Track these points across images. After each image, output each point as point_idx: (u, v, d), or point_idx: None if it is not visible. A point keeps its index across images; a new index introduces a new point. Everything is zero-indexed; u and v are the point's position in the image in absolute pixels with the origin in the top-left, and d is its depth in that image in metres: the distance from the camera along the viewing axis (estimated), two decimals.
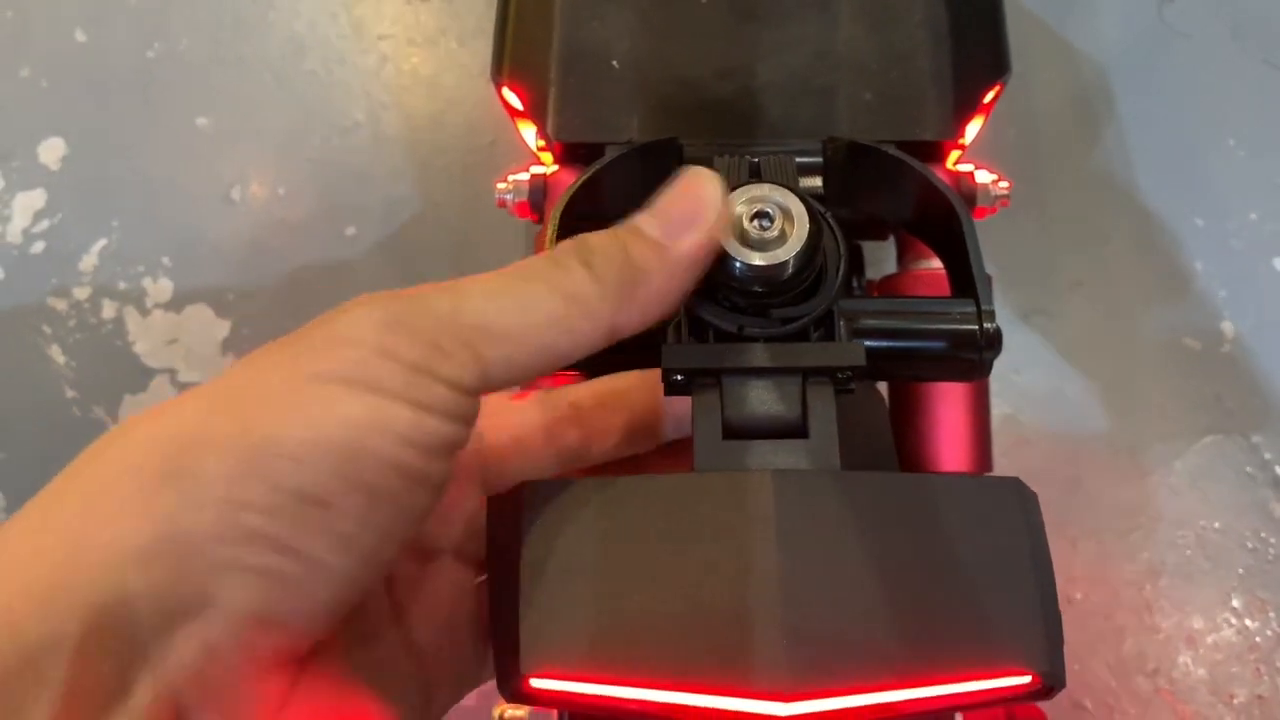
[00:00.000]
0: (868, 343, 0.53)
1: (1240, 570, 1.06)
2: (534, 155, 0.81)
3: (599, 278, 0.32)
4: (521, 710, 0.75)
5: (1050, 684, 0.44)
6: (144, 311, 1.20)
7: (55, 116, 1.27)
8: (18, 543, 0.27)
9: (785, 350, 0.52)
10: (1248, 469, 1.09)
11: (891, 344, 0.55)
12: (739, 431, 0.51)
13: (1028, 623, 0.44)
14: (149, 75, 1.29)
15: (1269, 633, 1.04)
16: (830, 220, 0.53)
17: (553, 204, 0.67)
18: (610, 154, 0.64)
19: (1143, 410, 1.12)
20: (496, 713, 0.75)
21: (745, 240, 0.49)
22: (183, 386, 1.17)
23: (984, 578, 0.45)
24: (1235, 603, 1.05)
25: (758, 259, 0.49)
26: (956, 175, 0.80)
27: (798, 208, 0.50)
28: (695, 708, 0.45)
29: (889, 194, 0.66)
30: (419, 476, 0.30)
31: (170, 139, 1.26)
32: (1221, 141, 1.20)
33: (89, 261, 1.22)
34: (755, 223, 0.49)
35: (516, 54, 0.80)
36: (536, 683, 0.44)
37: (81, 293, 1.21)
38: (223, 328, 1.19)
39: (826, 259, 0.52)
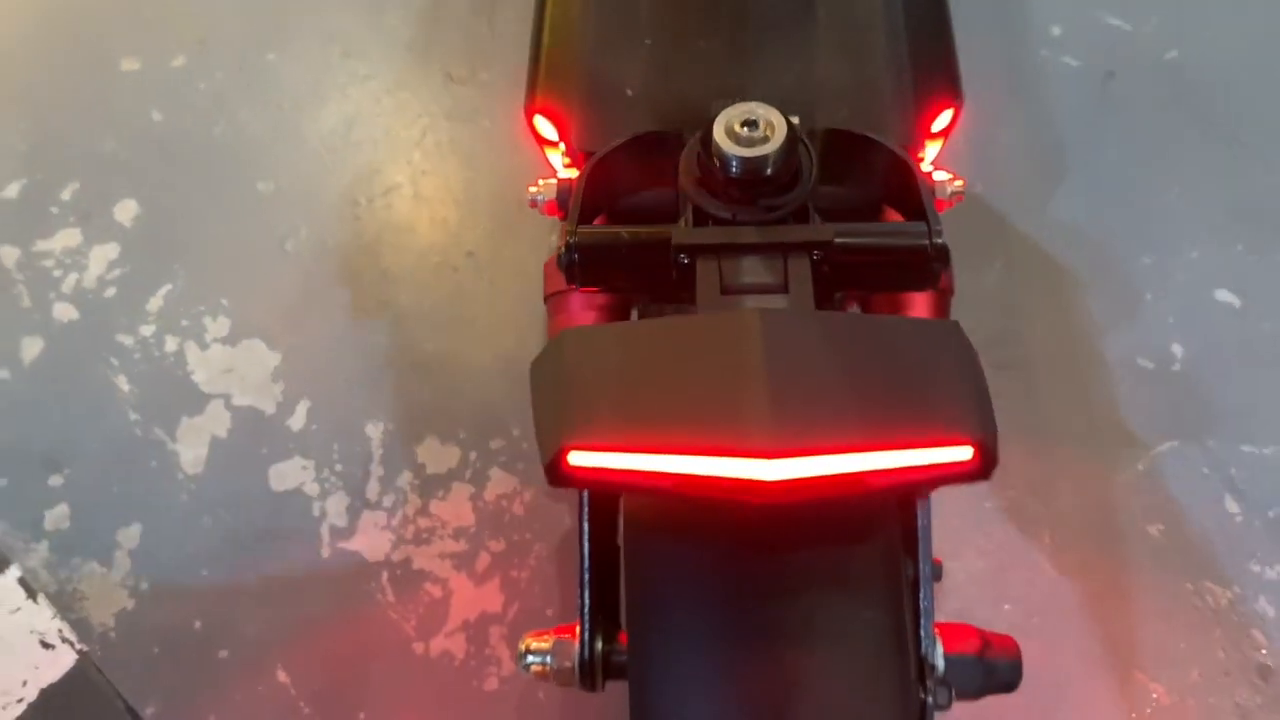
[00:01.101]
0: (838, 239, 0.67)
1: (1199, 556, 1.16)
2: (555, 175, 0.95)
3: None
4: (545, 640, 0.85)
5: (985, 455, 0.55)
6: (203, 345, 1.34)
7: (131, 183, 1.44)
8: None
9: (770, 231, 0.65)
10: (1204, 470, 1.21)
11: (856, 239, 0.69)
12: (733, 291, 0.64)
13: (966, 409, 0.56)
14: (215, 148, 1.47)
15: (1223, 605, 1.14)
16: (804, 137, 0.67)
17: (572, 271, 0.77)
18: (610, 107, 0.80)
19: (1106, 420, 1.24)
20: (523, 646, 0.85)
21: (736, 140, 0.63)
22: (237, 410, 1.30)
23: (929, 378, 0.57)
24: (1189, 585, 1.15)
25: (745, 152, 0.63)
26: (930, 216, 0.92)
27: (778, 119, 0.64)
28: (702, 476, 0.56)
29: (861, 172, 0.80)
30: None
31: (232, 201, 1.43)
32: (1164, 192, 1.36)
33: (155, 303, 1.36)
34: (744, 128, 0.64)
35: (546, 89, 0.96)
36: (574, 458, 0.56)
37: (147, 330, 1.35)
38: (274, 358, 1.32)
39: (801, 163, 0.66)
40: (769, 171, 0.64)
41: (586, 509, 0.84)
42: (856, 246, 0.68)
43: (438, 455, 1.26)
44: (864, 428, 0.54)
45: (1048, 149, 1.39)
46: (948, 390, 0.56)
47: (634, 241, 0.71)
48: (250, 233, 1.40)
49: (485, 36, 1.52)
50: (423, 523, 1.22)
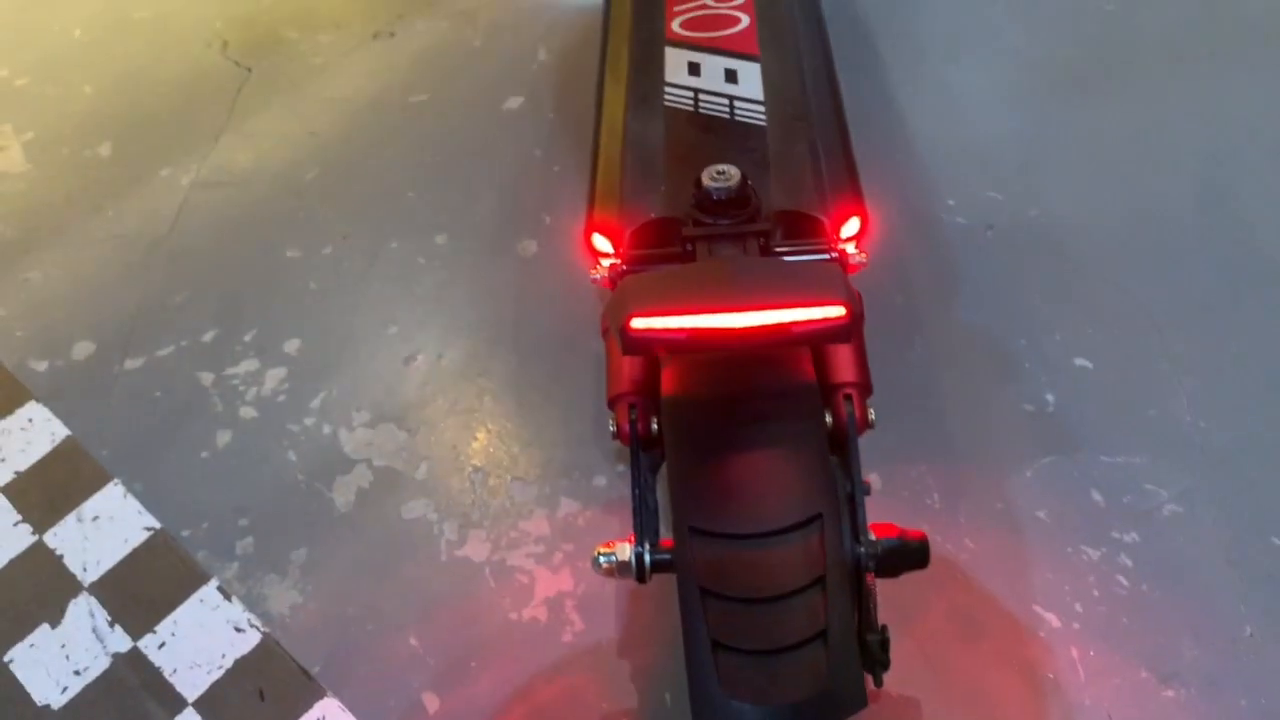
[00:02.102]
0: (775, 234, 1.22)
1: (1075, 530, 1.62)
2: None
3: None
4: (610, 546, 1.31)
5: (853, 313, 1.07)
6: (350, 429, 1.85)
7: (296, 328, 2.01)
8: None
9: (735, 228, 1.20)
10: (1075, 474, 1.68)
11: (786, 242, 1.24)
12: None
13: (841, 289, 1.08)
14: (355, 306, 2.05)
15: (1095, 560, 1.58)
16: (751, 184, 1.24)
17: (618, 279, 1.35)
18: (641, 221, 1.37)
19: (1001, 445, 1.72)
20: (595, 552, 1.32)
21: (713, 180, 1.20)
22: (377, 469, 1.79)
23: (821, 278, 1.10)
24: (1069, 549, 1.60)
25: (717, 185, 1.19)
26: (840, 252, 1.45)
27: (736, 171, 1.21)
28: (704, 328, 1.07)
29: (798, 234, 1.36)
30: None
31: (370, 336, 1.99)
32: (1030, 300, 1.92)
33: (315, 404, 1.89)
34: (717, 174, 1.20)
35: (601, 216, 1.53)
36: (636, 322, 1.08)
37: (309, 421, 1.87)
38: (403, 435, 1.84)
39: (752, 192, 1.22)
40: (732, 195, 1.20)
41: (636, 456, 1.34)
42: (787, 244, 1.23)
43: (522, 490, 1.74)
44: (784, 295, 1.07)
45: (948, 275, 1.97)
46: (830, 282, 1.09)
47: (658, 256, 1.27)
48: (383, 357, 1.96)
49: (546, 223, 2.14)
50: (513, 534, 1.69)
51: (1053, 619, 1.53)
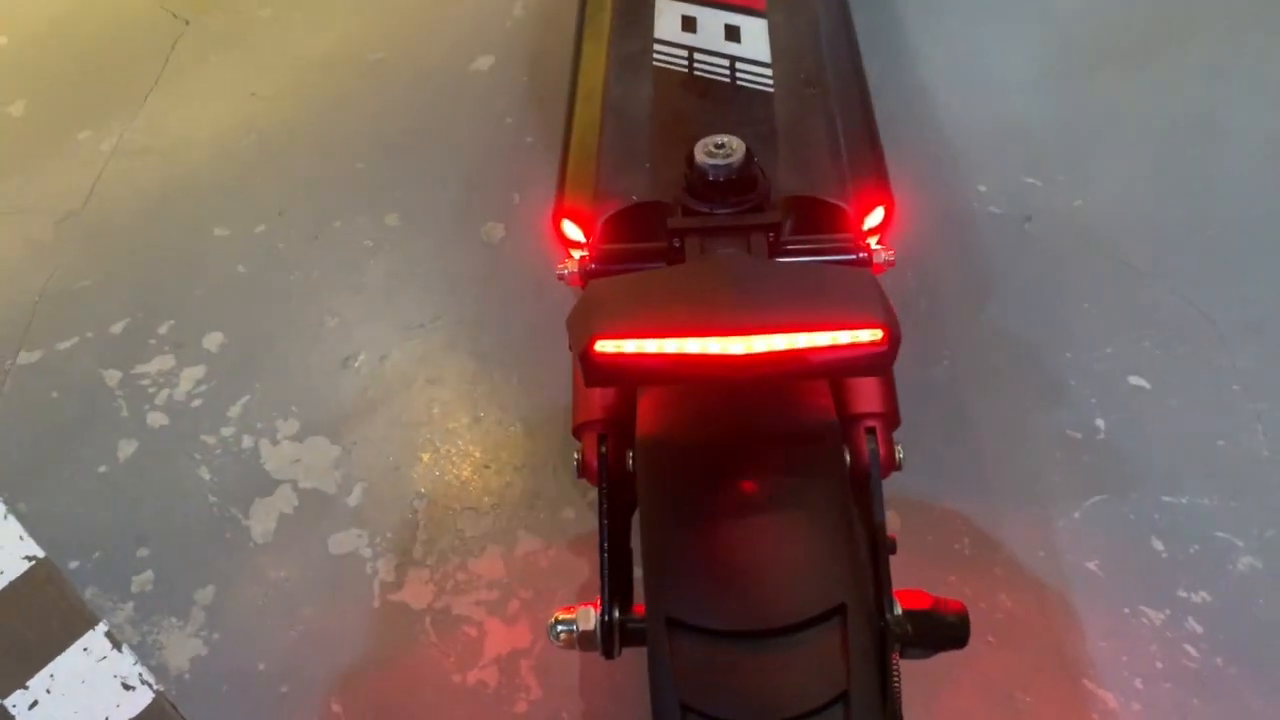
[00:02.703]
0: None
1: (1133, 586, 1.35)
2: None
3: None
4: (571, 612, 1.04)
5: (892, 336, 0.79)
6: (275, 442, 1.57)
7: (219, 319, 1.73)
8: None
9: (737, 218, 0.92)
10: (1130, 516, 1.41)
11: (802, 236, 0.96)
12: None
13: (877, 306, 0.81)
14: (289, 293, 1.76)
15: (1158, 625, 1.31)
16: (758, 162, 0.96)
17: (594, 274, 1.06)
18: (619, 206, 1.08)
19: (1043, 480, 1.45)
20: (552, 619, 1.04)
21: (710, 155, 0.91)
22: (303, 492, 1.51)
23: (851, 291, 0.82)
24: (1126, 609, 1.33)
25: (715, 162, 0.91)
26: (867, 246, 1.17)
27: (739, 143, 0.93)
28: (692, 355, 0.80)
29: (814, 227, 1.08)
30: None
31: (304, 332, 1.71)
32: (1077, 306, 1.64)
33: (235, 411, 1.61)
34: (716, 148, 0.92)
35: (571, 200, 1.25)
36: (601, 345, 0.80)
37: (227, 431, 1.59)
38: (335, 451, 1.56)
39: (758, 172, 0.94)
40: (733, 176, 0.92)
41: (605, 499, 1.06)
42: (801, 239, 0.95)
43: (474, 522, 1.47)
44: (801, 314, 0.79)
45: (980, 275, 1.69)
46: (863, 297, 0.81)
47: (636, 252, 0.99)
48: (318, 355, 1.67)
49: (515, 203, 1.86)
50: (460, 576, 1.42)
51: (1108, 699, 1.27)
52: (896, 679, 0.98)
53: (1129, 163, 1.85)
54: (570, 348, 0.95)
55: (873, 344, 0.80)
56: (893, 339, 0.80)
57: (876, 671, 0.87)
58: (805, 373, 0.83)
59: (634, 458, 0.96)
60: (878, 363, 0.82)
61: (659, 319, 0.80)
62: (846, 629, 0.84)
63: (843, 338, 0.80)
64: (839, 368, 0.83)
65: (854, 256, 0.98)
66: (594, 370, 0.81)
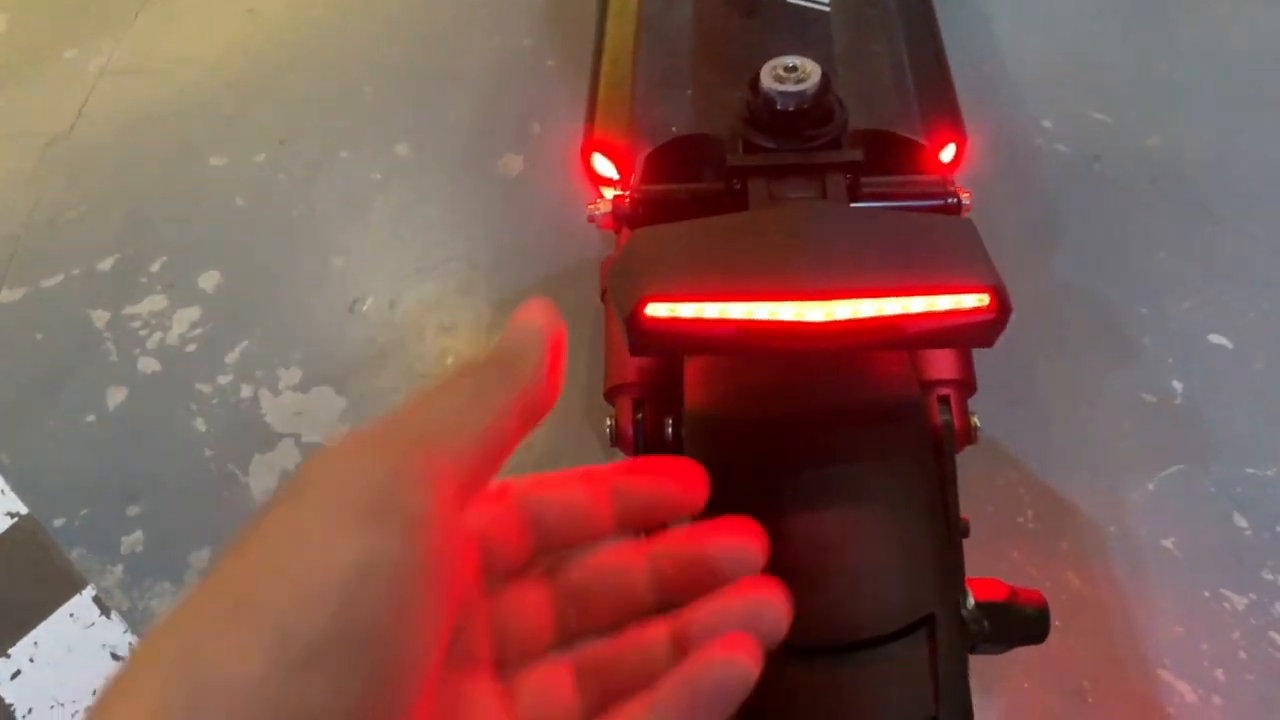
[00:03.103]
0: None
1: (1214, 567, 1.23)
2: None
3: (495, 372, 0.35)
4: None
5: (1001, 302, 0.66)
6: (276, 392, 1.45)
7: (215, 256, 1.60)
8: None
9: (809, 155, 0.78)
10: (1210, 489, 1.28)
11: (883, 179, 0.82)
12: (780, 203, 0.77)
13: (982, 266, 0.67)
14: (292, 228, 1.63)
15: (1241, 610, 1.19)
16: (836, 91, 0.81)
17: (637, 217, 0.92)
18: (661, 139, 0.94)
19: (1114, 448, 1.33)
20: None
21: (779, 80, 0.77)
22: (306, 447, 1.40)
23: (949, 246, 0.69)
24: (1206, 593, 1.21)
25: (787, 88, 0.77)
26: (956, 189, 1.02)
27: (813, 66, 0.78)
28: (759, 322, 0.67)
29: (887, 166, 0.94)
30: (423, 598, 0.29)
31: (308, 272, 1.57)
32: (1151, 255, 1.50)
33: (232, 357, 1.49)
34: (786, 71, 0.78)
35: (603, 130, 1.11)
36: (651, 309, 0.67)
37: (224, 379, 1.47)
38: (341, 403, 1.43)
39: (835, 102, 0.80)
40: (806, 105, 0.77)
41: None
42: (882, 181, 0.81)
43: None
44: (893, 276, 0.65)
45: (1045, 219, 1.54)
46: (964, 255, 0.68)
47: (686, 194, 0.85)
48: (323, 298, 1.54)
49: (535, 133, 1.71)
50: None
51: (1185, 691, 1.15)
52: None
53: (1208, 97, 1.69)
54: (604, 294, 0.81)
55: (978, 310, 0.67)
56: (1001, 306, 0.66)
57: (966, 687, 0.75)
58: (894, 344, 0.69)
59: (677, 432, 0.83)
60: (983, 333, 0.68)
61: (722, 279, 0.66)
62: (935, 644, 0.72)
63: (942, 303, 0.66)
64: (936, 339, 0.70)
65: (943, 201, 0.84)
66: (642, 338, 0.68)
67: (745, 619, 0.37)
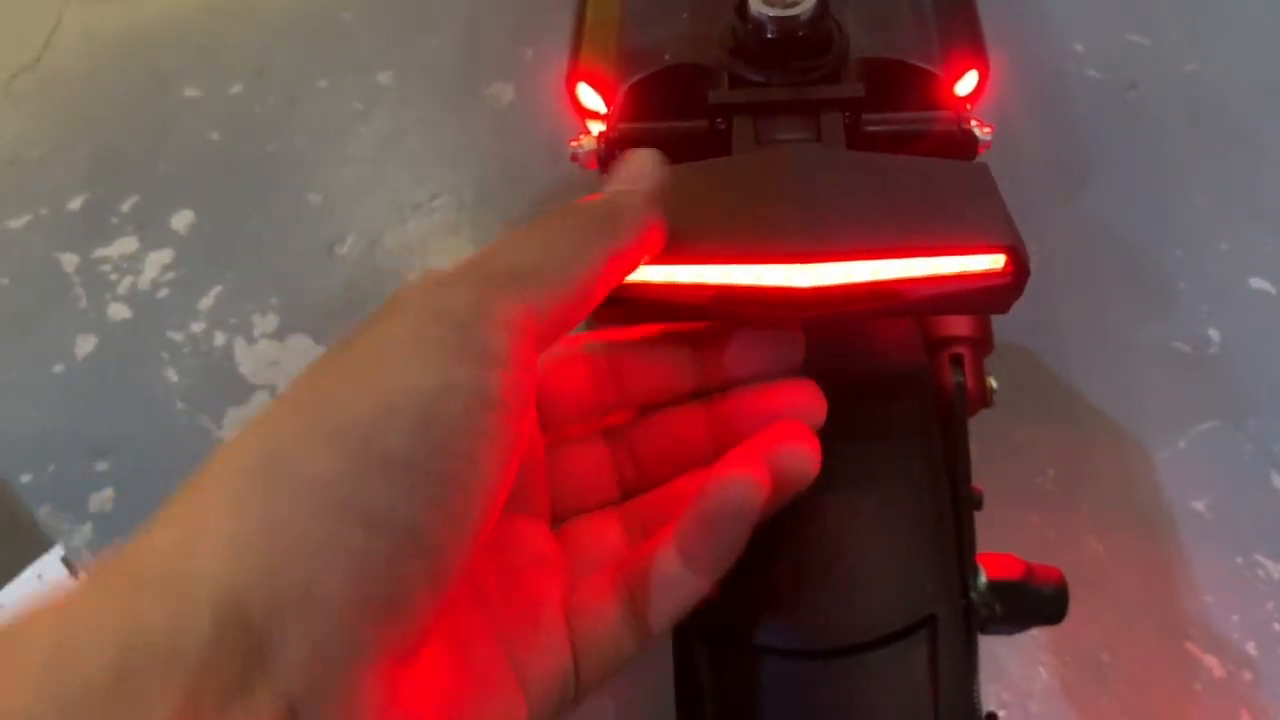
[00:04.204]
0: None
1: (1249, 532, 1.14)
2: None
3: (594, 217, 0.36)
4: None
5: (1018, 263, 0.56)
6: (251, 340, 1.37)
7: (188, 195, 1.51)
8: (138, 544, 0.27)
9: (803, 91, 0.68)
10: (1248, 447, 1.19)
11: (887, 116, 0.72)
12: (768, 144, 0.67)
13: (996, 222, 0.57)
14: (268, 164, 1.54)
15: (1276, 578, 1.11)
16: (835, 16, 0.71)
17: (613, 157, 0.83)
18: (649, 69, 0.84)
19: (1144, 402, 1.23)
20: None
21: (770, 4, 0.67)
22: None
23: (958, 198, 0.59)
24: (1239, 559, 1.12)
25: (778, 12, 0.66)
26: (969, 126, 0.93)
27: None
28: (739, 287, 0.57)
29: (896, 97, 0.84)
30: (494, 432, 0.29)
31: (283, 211, 1.48)
32: (1189, 193, 1.38)
33: (206, 303, 1.41)
34: None
35: (590, 58, 1.00)
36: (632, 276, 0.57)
37: (197, 326, 1.39)
38: (320, 351, 1.35)
39: (833, 29, 0.70)
40: (800, 33, 0.67)
41: None
42: (885, 119, 0.71)
43: None
44: (894, 235, 0.56)
45: (1074, 152, 1.43)
46: (977, 208, 0.58)
47: (666, 133, 0.75)
48: (300, 239, 1.46)
49: (527, 59, 1.60)
50: None
51: (1214, 665, 1.08)
52: (975, 663, 0.79)
53: (1254, 19, 1.55)
54: None
55: (991, 274, 0.57)
56: (1019, 268, 0.56)
57: (969, 691, 0.68)
58: (893, 312, 0.60)
59: None
60: (997, 299, 0.58)
61: (696, 237, 0.57)
62: (936, 648, 0.64)
63: (949, 266, 0.57)
64: (942, 306, 0.60)
65: (956, 140, 0.74)
66: (606, 306, 0.59)
67: (770, 450, 0.38)
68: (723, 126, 0.69)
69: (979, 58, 0.97)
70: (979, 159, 1.00)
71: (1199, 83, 1.49)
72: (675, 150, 0.75)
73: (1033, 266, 0.73)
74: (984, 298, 0.59)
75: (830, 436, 0.69)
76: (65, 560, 1.24)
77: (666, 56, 0.95)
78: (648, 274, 0.58)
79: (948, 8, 1.02)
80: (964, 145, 0.74)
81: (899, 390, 0.71)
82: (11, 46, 1.71)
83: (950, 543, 0.71)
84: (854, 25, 0.97)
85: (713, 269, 0.57)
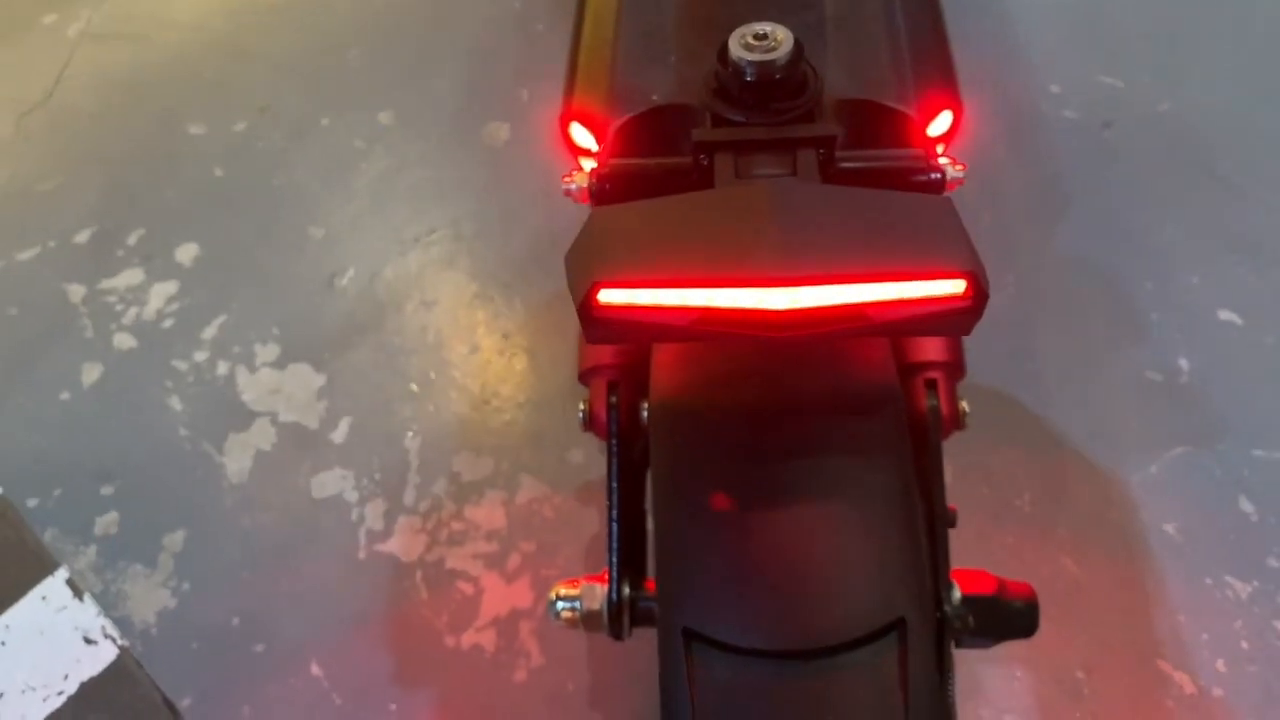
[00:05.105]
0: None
1: (1217, 553, 1.18)
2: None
3: None
4: (575, 587, 0.89)
5: (977, 288, 0.61)
6: (252, 369, 1.41)
7: (193, 228, 1.55)
8: None
9: (780, 130, 0.73)
10: (1216, 472, 1.24)
11: (860, 155, 0.77)
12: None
13: (958, 249, 0.62)
14: (271, 199, 1.58)
15: (1244, 598, 1.15)
16: (809, 60, 0.76)
17: (604, 193, 0.87)
18: (638, 108, 0.89)
19: (1117, 428, 1.28)
20: (553, 593, 0.89)
21: (749, 49, 0.72)
22: (282, 426, 1.36)
23: (923, 228, 0.64)
24: (1209, 579, 1.16)
25: (756, 58, 0.71)
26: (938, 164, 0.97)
27: (785, 33, 0.73)
28: (718, 309, 0.62)
29: (870, 139, 0.88)
30: None
31: (286, 244, 1.53)
32: (1161, 227, 1.44)
33: (209, 333, 1.45)
34: (756, 39, 0.72)
35: (582, 99, 1.05)
36: (604, 295, 0.62)
37: (201, 356, 1.43)
38: (320, 380, 1.40)
39: (807, 73, 0.75)
40: (777, 76, 0.72)
41: (615, 457, 0.90)
42: (858, 156, 0.76)
43: (472, 465, 1.31)
44: (863, 261, 0.60)
45: (1050, 188, 1.48)
46: (940, 237, 0.62)
47: (654, 169, 0.80)
48: (302, 271, 1.50)
49: (523, 100, 1.66)
50: (456, 525, 1.27)
51: (1185, 682, 1.11)
52: (950, 675, 0.82)
53: (1223, 61, 1.62)
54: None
55: (953, 298, 0.62)
56: (978, 293, 0.61)
57: (938, 693, 0.71)
58: (863, 332, 0.65)
59: (648, 419, 0.79)
60: (958, 322, 0.63)
61: (679, 263, 0.62)
62: (906, 649, 0.68)
63: (914, 290, 0.61)
64: (909, 327, 0.65)
65: (925, 178, 0.79)
66: (596, 325, 0.64)
67: None
68: (705, 162, 0.74)
69: (953, 99, 1.03)
70: (954, 195, 1.05)
71: (1170, 122, 1.55)
72: (662, 184, 0.81)
73: (1010, 297, 0.76)
74: (948, 319, 0.64)
75: (805, 452, 0.74)
76: (70, 582, 1.27)
77: (654, 97, 1.01)
78: (634, 297, 0.63)
79: (922, 51, 1.08)
80: (933, 184, 0.79)
81: (872, 410, 0.76)
82: (24, 83, 1.77)
83: (922, 555, 0.75)
84: (832, 67, 1.03)
85: (695, 293, 0.62)
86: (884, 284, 0.61)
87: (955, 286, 0.61)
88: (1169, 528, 1.20)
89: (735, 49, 0.72)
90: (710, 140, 0.74)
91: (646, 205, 0.67)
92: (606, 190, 0.81)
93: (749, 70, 0.72)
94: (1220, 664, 1.12)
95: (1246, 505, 1.21)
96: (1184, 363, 1.32)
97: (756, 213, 0.63)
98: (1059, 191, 1.48)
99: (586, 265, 0.63)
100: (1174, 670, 1.12)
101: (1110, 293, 1.38)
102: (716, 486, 0.71)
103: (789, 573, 0.69)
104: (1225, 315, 1.36)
